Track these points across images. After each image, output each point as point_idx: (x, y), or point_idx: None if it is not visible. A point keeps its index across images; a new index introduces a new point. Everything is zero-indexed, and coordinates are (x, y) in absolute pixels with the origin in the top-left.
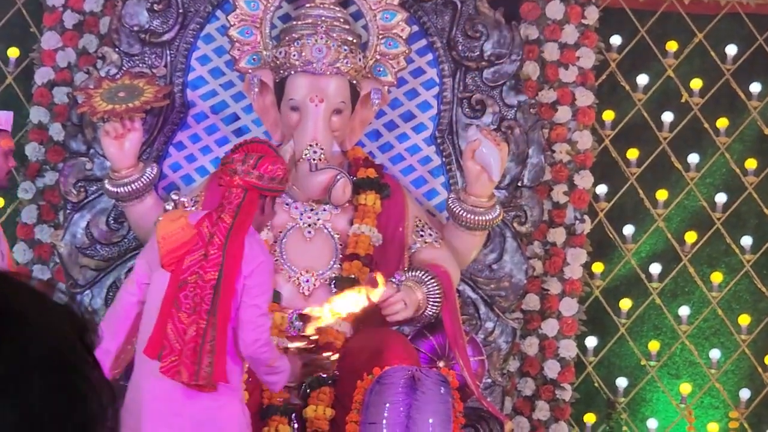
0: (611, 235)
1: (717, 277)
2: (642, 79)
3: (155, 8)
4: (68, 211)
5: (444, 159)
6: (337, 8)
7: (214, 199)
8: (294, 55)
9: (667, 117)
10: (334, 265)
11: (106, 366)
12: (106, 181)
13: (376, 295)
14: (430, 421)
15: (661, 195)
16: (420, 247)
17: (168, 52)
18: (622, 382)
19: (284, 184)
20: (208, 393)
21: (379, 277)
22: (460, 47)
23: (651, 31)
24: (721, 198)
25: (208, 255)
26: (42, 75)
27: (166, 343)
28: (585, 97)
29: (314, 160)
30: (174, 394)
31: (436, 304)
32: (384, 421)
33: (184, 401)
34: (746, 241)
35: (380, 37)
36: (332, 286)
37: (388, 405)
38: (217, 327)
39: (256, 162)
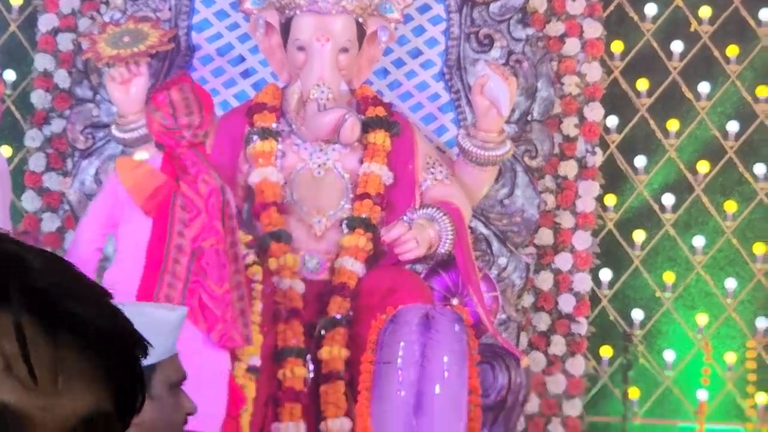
0: (623, 167)
1: (731, 206)
2: (650, 9)
3: None
4: (76, 159)
5: (453, 95)
6: None
7: (222, 143)
8: None
9: (677, 46)
10: (345, 206)
11: None
12: (113, 127)
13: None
14: (445, 359)
15: (673, 125)
16: (430, 184)
17: None
18: (637, 315)
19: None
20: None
21: None
22: None
23: None
24: (732, 126)
25: (215, 217)
26: (46, 22)
27: (207, 314)
28: (593, 29)
29: (322, 100)
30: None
31: (449, 241)
32: (399, 360)
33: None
34: (759, 169)
35: None
36: (344, 226)
37: (402, 344)
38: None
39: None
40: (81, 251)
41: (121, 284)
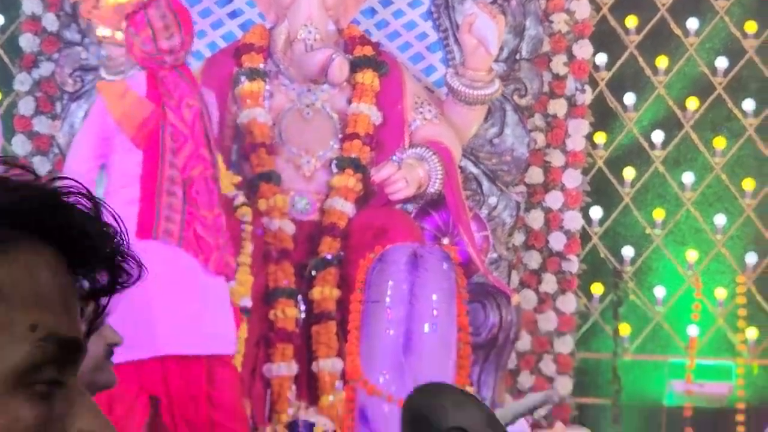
0: (612, 105)
1: (720, 143)
2: None
3: None
4: (65, 102)
5: (441, 34)
6: None
7: (212, 81)
8: None
9: None
10: (334, 146)
11: None
12: (101, 70)
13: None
14: (434, 297)
15: (662, 62)
16: (420, 124)
17: None
18: (628, 252)
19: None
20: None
21: None
22: None
23: None
24: (721, 62)
25: (201, 144)
26: None
27: (202, 244)
28: None
29: (309, 40)
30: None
31: (438, 180)
32: (387, 299)
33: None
34: (748, 105)
35: None
36: (333, 166)
37: (390, 283)
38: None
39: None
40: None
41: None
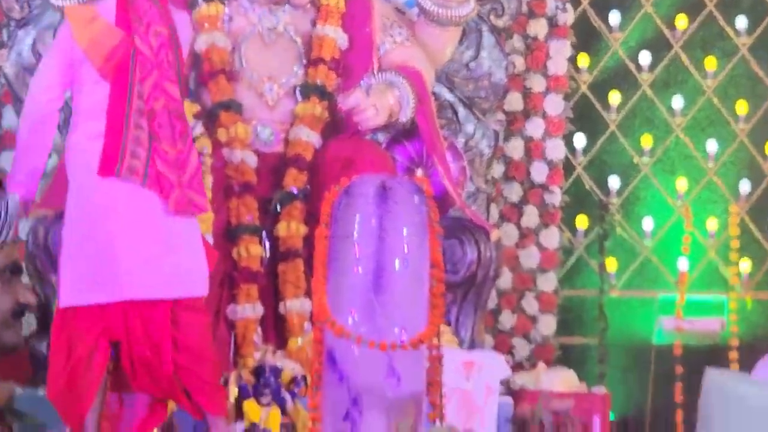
0: (596, 24)
1: (711, 64)
2: None
3: None
4: (12, 29)
5: None
6: None
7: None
8: None
9: None
10: (298, 72)
11: (35, 184)
12: None
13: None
14: (405, 231)
15: None
16: (389, 47)
17: None
18: (614, 182)
19: None
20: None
21: None
22: None
23: None
24: None
25: (165, 76)
26: None
27: (163, 180)
28: None
29: None
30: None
31: (410, 107)
32: (355, 234)
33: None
34: (741, 22)
35: None
36: (298, 94)
37: (358, 217)
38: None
39: None
40: (38, 112)
41: (83, 152)
